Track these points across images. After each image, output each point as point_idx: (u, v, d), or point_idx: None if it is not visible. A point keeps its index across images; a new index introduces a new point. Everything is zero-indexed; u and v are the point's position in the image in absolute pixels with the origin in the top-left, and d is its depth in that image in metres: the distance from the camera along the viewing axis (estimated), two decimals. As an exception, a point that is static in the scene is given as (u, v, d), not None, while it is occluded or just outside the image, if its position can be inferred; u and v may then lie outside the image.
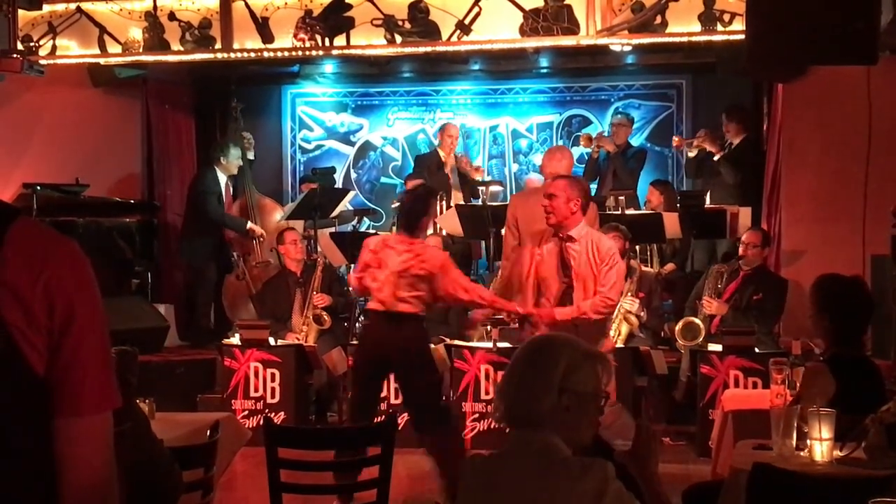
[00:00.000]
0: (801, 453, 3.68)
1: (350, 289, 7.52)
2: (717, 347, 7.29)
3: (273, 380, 7.70)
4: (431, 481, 6.55)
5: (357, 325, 8.32)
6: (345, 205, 9.57)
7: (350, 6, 8.27)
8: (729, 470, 3.76)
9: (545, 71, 10.55)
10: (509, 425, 2.64)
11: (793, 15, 4.20)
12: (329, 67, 10.67)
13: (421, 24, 8.23)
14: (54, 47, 8.97)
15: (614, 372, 3.40)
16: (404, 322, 5.72)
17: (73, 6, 8.86)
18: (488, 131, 10.95)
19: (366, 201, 10.99)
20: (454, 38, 8.23)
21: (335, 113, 11.18)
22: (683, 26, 7.98)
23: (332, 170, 10.52)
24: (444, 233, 8.86)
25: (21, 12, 7.86)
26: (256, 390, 7.72)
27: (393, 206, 10.53)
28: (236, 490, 6.47)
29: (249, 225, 9.52)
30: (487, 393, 7.29)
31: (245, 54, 8.79)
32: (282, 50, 8.61)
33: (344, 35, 8.34)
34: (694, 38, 8.07)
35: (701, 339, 7.61)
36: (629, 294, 7.62)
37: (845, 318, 4.18)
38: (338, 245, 8.93)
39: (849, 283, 4.28)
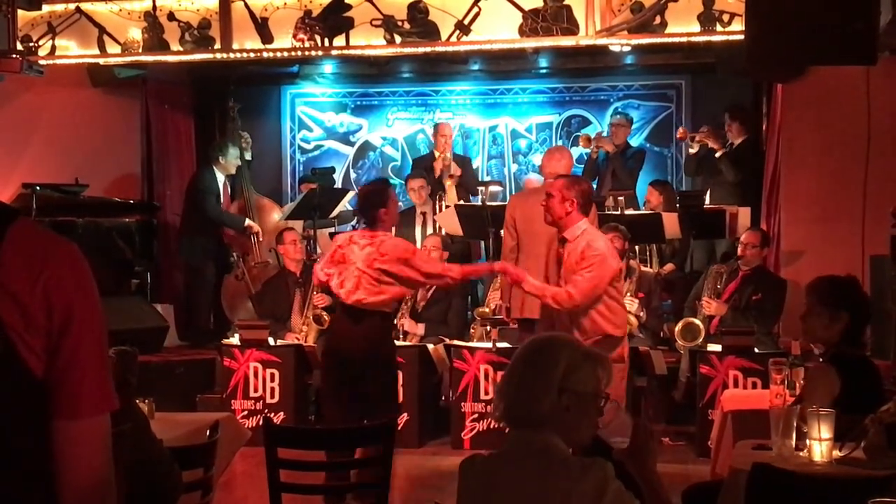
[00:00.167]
0: (801, 453, 3.68)
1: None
2: (717, 348, 7.29)
3: (272, 380, 7.70)
4: (431, 481, 6.56)
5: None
6: (344, 205, 9.56)
7: (349, 6, 8.27)
8: (728, 470, 3.76)
9: (544, 71, 10.55)
10: (509, 425, 2.64)
11: (792, 15, 4.20)
12: (328, 68, 10.67)
13: (420, 24, 8.23)
14: (54, 47, 8.97)
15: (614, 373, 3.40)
16: (367, 318, 5.68)
17: (72, 6, 8.85)
18: (487, 131, 10.95)
19: (365, 201, 10.96)
20: (453, 39, 8.23)
21: (334, 113, 11.18)
22: (683, 27, 7.98)
23: (332, 170, 10.52)
24: (443, 232, 8.86)
25: (20, 12, 7.86)
26: (256, 390, 7.72)
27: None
28: (236, 490, 6.47)
29: (248, 222, 9.52)
30: (487, 393, 7.29)
31: (244, 54, 8.78)
32: (281, 50, 8.61)
33: (343, 35, 8.34)
34: (693, 39, 8.07)
35: (700, 340, 7.61)
36: (628, 294, 7.62)
37: (862, 318, 4.19)
38: (337, 245, 8.91)
39: (857, 283, 4.30)
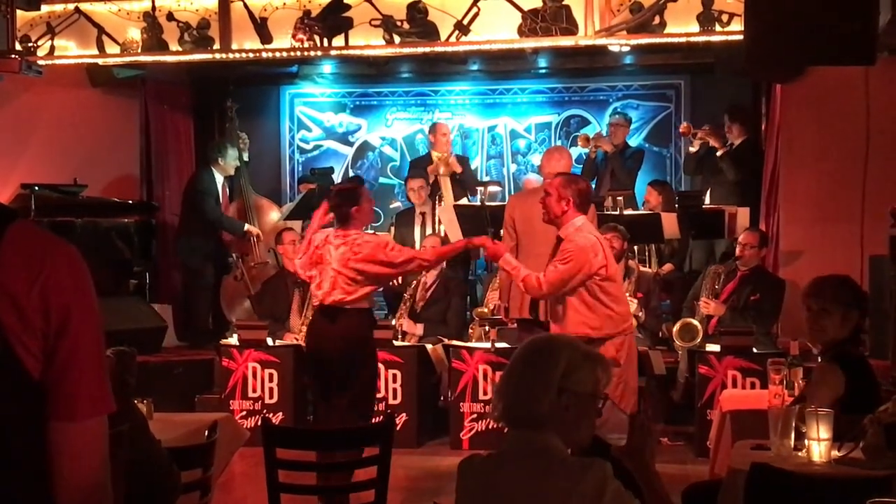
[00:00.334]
0: (799, 453, 3.68)
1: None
2: (716, 348, 7.29)
3: (271, 380, 7.70)
4: (429, 482, 6.56)
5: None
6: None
7: (348, 6, 8.27)
8: (727, 470, 3.75)
9: (544, 71, 10.55)
10: (508, 425, 2.64)
11: (791, 15, 4.19)
12: (327, 68, 10.67)
13: (419, 24, 8.24)
14: (53, 48, 8.97)
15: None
16: (343, 316, 5.72)
17: (71, 6, 8.85)
18: (487, 132, 10.94)
19: (364, 202, 10.96)
20: (453, 39, 8.23)
21: (334, 113, 11.17)
22: (682, 27, 7.98)
23: (331, 170, 10.50)
24: (443, 233, 8.86)
25: (19, 13, 7.84)
26: (255, 391, 7.72)
27: (391, 206, 10.55)
28: (234, 490, 6.46)
29: (247, 227, 9.51)
30: (486, 393, 7.29)
31: (243, 55, 8.78)
32: (280, 50, 8.61)
33: (342, 35, 8.34)
34: (692, 39, 8.07)
35: (699, 340, 7.61)
36: (627, 294, 7.62)
37: (866, 316, 4.21)
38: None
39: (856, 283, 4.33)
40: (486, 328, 7.74)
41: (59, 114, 9.90)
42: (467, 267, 9.39)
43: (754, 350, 7.14)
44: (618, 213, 8.34)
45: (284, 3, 8.56)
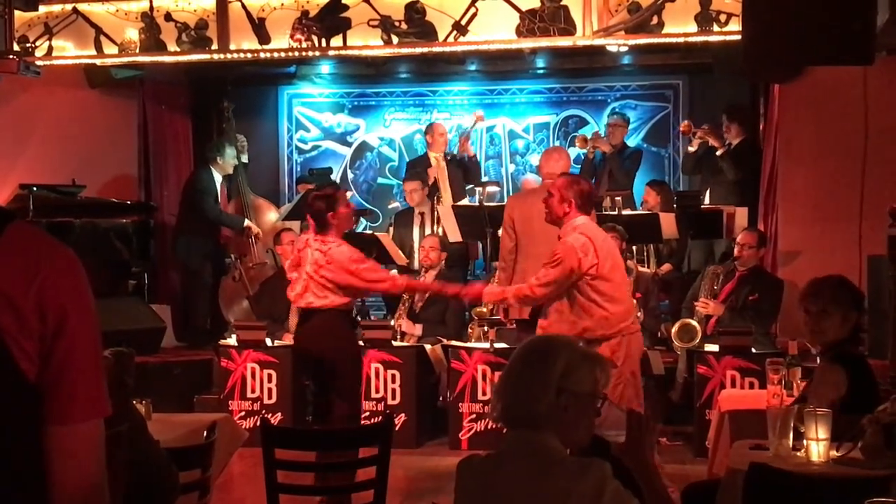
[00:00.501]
0: (798, 453, 3.68)
1: None
2: (714, 348, 7.29)
3: (270, 380, 7.70)
4: (428, 482, 6.56)
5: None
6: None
7: (346, 7, 8.27)
8: (726, 470, 3.75)
9: (542, 71, 10.55)
10: (506, 425, 2.64)
11: (789, 15, 4.19)
12: (326, 68, 10.67)
13: (417, 24, 8.23)
14: (51, 48, 8.96)
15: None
16: (315, 315, 5.77)
17: (69, 7, 8.85)
18: (485, 132, 10.94)
19: (363, 202, 10.98)
20: (451, 39, 8.23)
21: (332, 113, 11.17)
22: (680, 27, 7.99)
23: (329, 170, 10.51)
24: (440, 233, 8.86)
25: (17, 13, 7.86)
26: (253, 391, 7.71)
27: (389, 206, 10.55)
28: (233, 491, 6.46)
29: (247, 223, 9.52)
30: (485, 393, 7.29)
31: (241, 55, 8.78)
32: (278, 51, 8.61)
33: (340, 36, 8.34)
34: (690, 39, 8.07)
35: (697, 340, 7.61)
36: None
37: (863, 316, 4.22)
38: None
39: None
40: (485, 328, 7.74)
41: (58, 114, 9.89)
42: (466, 267, 9.39)
43: (753, 350, 7.14)
44: (616, 213, 8.34)
45: (282, 4, 8.56)
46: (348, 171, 11.11)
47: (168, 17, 8.73)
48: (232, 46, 8.69)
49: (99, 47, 8.93)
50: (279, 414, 7.57)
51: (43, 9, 8.51)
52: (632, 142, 10.24)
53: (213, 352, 8.32)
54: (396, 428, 6.89)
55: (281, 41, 8.54)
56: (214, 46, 8.70)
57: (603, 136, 9.89)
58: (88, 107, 9.99)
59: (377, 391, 7.59)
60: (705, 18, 7.84)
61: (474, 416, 7.40)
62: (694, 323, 7.70)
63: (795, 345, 5.15)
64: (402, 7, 8.27)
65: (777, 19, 4.23)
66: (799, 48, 4.31)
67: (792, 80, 8.53)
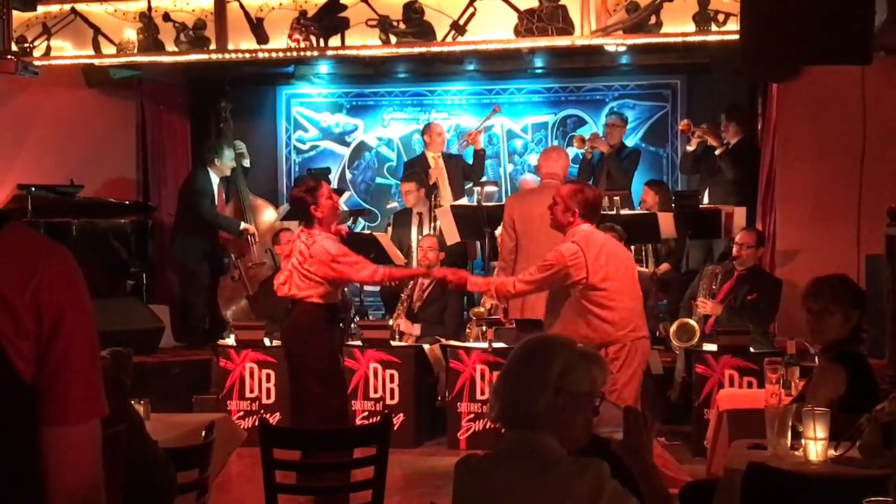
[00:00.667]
0: (796, 453, 3.68)
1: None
2: (713, 347, 7.30)
3: (268, 380, 7.70)
4: (427, 482, 6.56)
5: (353, 325, 8.32)
6: (340, 205, 9.54)
7: (345, 7, 8.26)
8: (724, 469, 3.75)
9: (540, 71, 10.55)
10: (505, 425, 2.64)
11: (787, 15, 4.19)
12: (324, 68, 10.66)
13: (416, 24, 8.23)
14: (49, 48, 8.96)
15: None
16: (295, 307, 5.81)
17: (67, 7, 8.84)
18: (483, 131, 10.93)
19: (361, 202, 10.99)
20: (449, 39, 8.23)
21: (330, 113, 11.17)
22: (678, 26, 7.99)
23: (327, 170, 10.51)
24: (438, 232, 8.86)
25: (15, 13, 7.84)
26: (252, 391, 7.71)
27: (388, 206, 10.55)
28: (231, 491, 6.46)
29: (243, 225, 9.51)
30: (483, 393, 7.29)
31: (240, 55, 8.77)
32: (276, 50, 8.60)
33: (339, 36, 8.33)
34: (688, 39, 8.07)
35: (696, 340, 7.61)
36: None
37: (864, 315, 4.22)
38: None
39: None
40: (484, 328, 7.74)
41: (56, 114, 9.88)
42: (464, 267, 9.38)
43: (751, 349, 7.15)
44: (614, 212, 8.34)
45: (280, 4, 8.56)
46: (346, 171, 11.11)
47: (166, 17, 8.73)
48: (230, 46, 8.68)
49: (97, 47, 8.93)
50: (277, 414, 7.57)
51: (41, 9, 8.50)
52: (630, 141, 10.24)
53: (211, 352, 8.32)
54: (395, 428, 6.90)
55: (279, 41, 8.54)
56: (212, 46, 8.69)
57: (601, 136, 9.89)
58: (86, 107, 9.98)
59: (375, 391, 7.59)
60: (703, 18, 7.84)
61: (473, 415, 7.40)
62: (692, 322, 7.69)
63: (794, 344, 5.16)
64: (400, 7, 8.27)
65: (775, 19, 4.23)
66: (797, 48, 4.31)
67: (790, 80, 8.52)
